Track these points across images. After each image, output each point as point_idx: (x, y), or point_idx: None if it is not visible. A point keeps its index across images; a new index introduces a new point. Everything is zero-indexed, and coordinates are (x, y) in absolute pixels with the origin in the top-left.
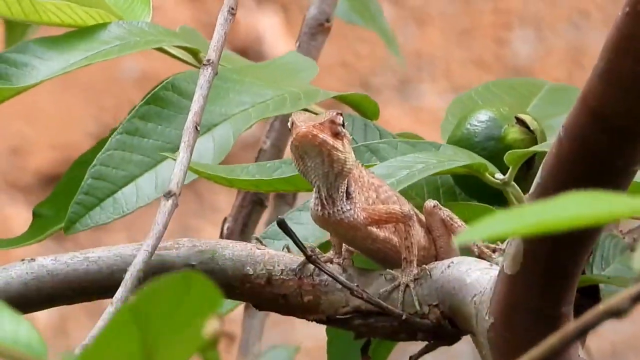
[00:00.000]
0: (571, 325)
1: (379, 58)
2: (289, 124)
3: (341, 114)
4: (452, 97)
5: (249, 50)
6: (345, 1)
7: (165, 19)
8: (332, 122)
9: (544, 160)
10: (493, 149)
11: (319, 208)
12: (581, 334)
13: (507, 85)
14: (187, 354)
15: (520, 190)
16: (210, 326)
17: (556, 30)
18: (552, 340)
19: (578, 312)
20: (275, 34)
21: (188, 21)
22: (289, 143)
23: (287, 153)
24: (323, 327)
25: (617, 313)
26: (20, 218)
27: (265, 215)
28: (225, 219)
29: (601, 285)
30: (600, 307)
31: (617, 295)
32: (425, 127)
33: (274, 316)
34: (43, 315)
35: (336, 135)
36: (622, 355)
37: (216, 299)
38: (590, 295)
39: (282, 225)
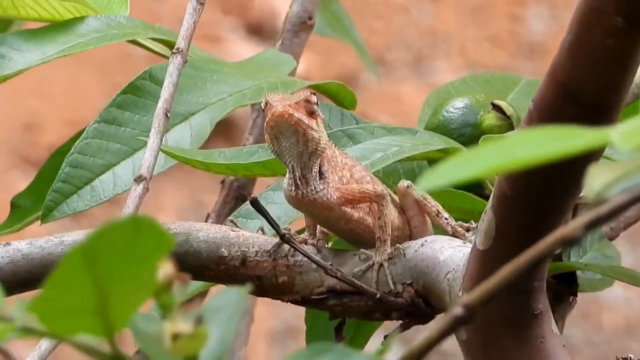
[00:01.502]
0: (523, 255)
1: (393, 35)
2: (262, 104)
3: (314, 93)
4: (466, 73)
5: (264, 27)
6: (319, 16)
7: (175, 3)
8: (307, 101)
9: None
10: (469, 135)
11: (293, 188)
12: (537, 261)
13: (484, 80)
14: (142, 298)
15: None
16: (164, 270)
17: (570, 7)
18: (504, 271)
19: (555, 299)
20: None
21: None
22: (265, 124)
23: None
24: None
25: (571, 240)
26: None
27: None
28: (208, 215)
29: (579, 273)
30: (556, 233)
31: (571, 224)
32: None
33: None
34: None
35: (311, 114)
36: (636, 330)
37: (166, 241)
38: (567, 282)
39: (255, 204)
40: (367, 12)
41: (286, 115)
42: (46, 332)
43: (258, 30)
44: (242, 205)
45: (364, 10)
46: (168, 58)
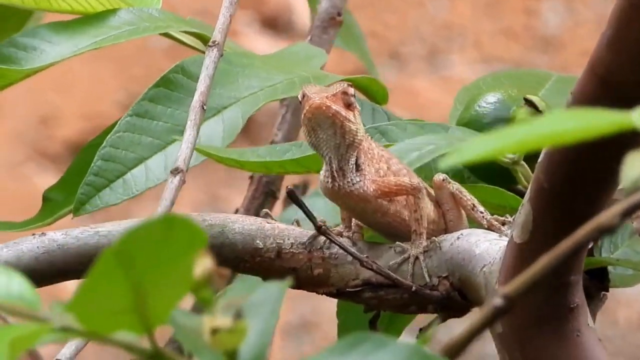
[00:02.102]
0: (561, 244)
1: (408, 28)
2: (299, 96)
3: (352, 85)
4: (481, 67)
5: (279, 20)
6: None
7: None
8: (345, 93)
9: None
10: (502, 130)
11: (329, 180)
12: (575, 251)
13: (514, 76)
14: (180, 293)
15: (529, 170)
16: (202, 265)
17: (586, 0)
18: (542, 261)
19: (586, 295)
20: (305, 4)
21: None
22: (302, 115)
23: None
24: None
25: (607, 229)
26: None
27: (278, 207)
28: (236, 210)
29: (610, 268)
30: (592, 223)
31: (607, 213)
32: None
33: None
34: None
35: (348, 106)
36: None
37: (200, 237)
38: (598, 277)
39: (292, 195)
40: (382, 6)
41: (324, 107)
42: (84, 331)
43: (273, 25)
44: (282, 212)
45: (378, 4)
46: (200, 51)
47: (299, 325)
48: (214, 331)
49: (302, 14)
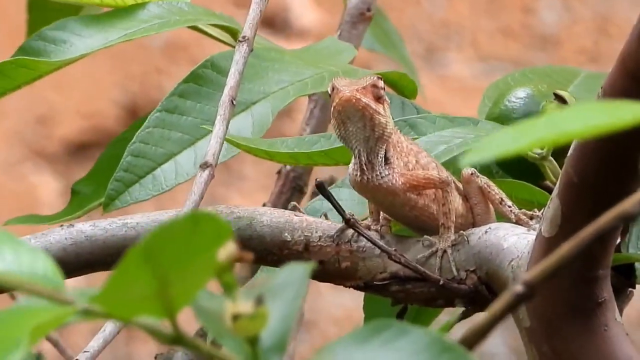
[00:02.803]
0: (582, 231)
1: (405, 27)
2: (329, 88)
3: (381, 78)
4: (479, 66)
5: (276, 19)
6: (369, 31)
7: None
8: (374, 86)
9: None
10: None
11: (358, 173)
12: (597, 237)
13: (543, 73)
14: (202, 282)
15: (557, 165)
16: (226, 250)
17: None
18: (563, 249)
19: (613, 291)
20: (302, 3)
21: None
22: (331, 108)
23: None
24: (350, 296)
25: (630, 216)
26: (46, 187)
27: (304, 202)
28: (264, 205)
29: (637, 264)
30: (614, 210)
31: (629, 200)
32: (452, 96)
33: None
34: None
35: (378, 99)
36: None
37: (226, 232)
38: (625, 273)
39: (321, 188)
40: (379, 4)
41: (353, 100)
42: (107, 314)
43: (270, 24)
44: (309, 203)
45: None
46: (228, 44)
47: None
48: (235, 317)
49: (299, 14)
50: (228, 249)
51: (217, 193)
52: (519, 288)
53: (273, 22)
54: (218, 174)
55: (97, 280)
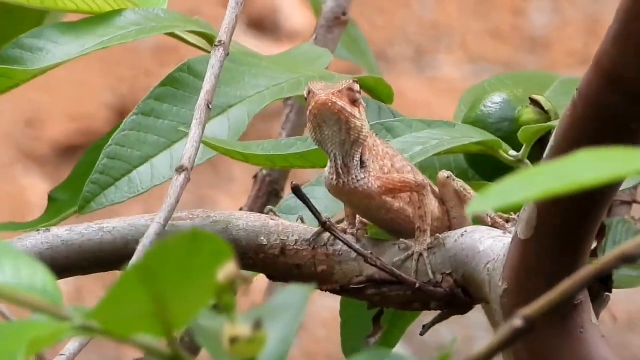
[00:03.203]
0: (585, 269)
1: (395, 29)
2: (305, 92)
3: (357, 81)
4: (468, 68)
5: (265, 21)
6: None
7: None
8: (350, 89)
9: (557, 125)
10: (507, 129)
11: (334, 177)
12: (598, 275)
13: (520, 78)
14: (202, 302)
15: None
16: (225, 271)
17: (573, 0)
18: (564, 285)
19: (590, 295)
20: (291, 5)
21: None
22: (307, 112)
23: None
24: (339, 299)
25: (632, 258)
26: (36, 189)
27: None
28: (241, 209)
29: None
30: (616, 251)
31: (631, 242)
32: (441, 98)
33: None
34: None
35: (353, 102)
36: (635, 325)
37: (225, 252)
38: (601, 278)
39: (297, 191)
40: (369, 6)
41: (329, 104)
42: (105, 331)
43: (259, 25)
44: (282, 201)
45: (366, 5)
46: (205, 50)
47: None
48: (234, 340)
49: (288, 16)
50: (228, 270)
51: (205, 195)
52: (518, 322)
53: (262, 24)
54: (206, 176)
55: (87, 282)
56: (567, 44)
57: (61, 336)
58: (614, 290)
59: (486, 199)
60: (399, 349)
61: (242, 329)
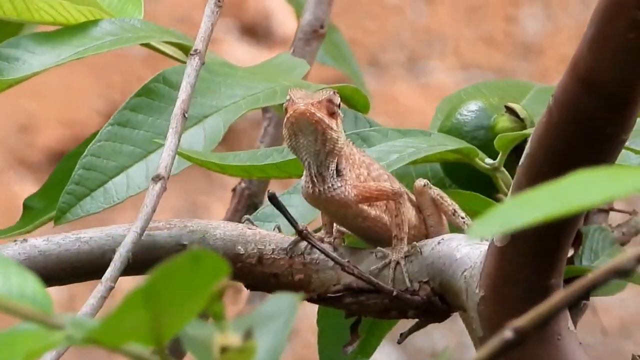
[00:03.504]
0: (579, 281)
1: (388, 34)
2: (285, 99)
3: (337, 93)
4: (461, 74)
5: (258, 28)
6: (321, 46)
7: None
8: (330, 101)
9: (533, 131)
10: (483, 138)
11: (310, 185)
12: (590, 289)
13: (496, 87)
14: (193, 313)
15: (510, 177)
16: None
17: (565, 7)
18: (556, 297)
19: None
20: (285, 11)
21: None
22: (285, 119)
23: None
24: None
25: (623, 272)
26: (28, 195)
27: None
28: None
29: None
30: (608, 265)
31: (623, 256)
32: (433, 104)
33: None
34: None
35: (332, 114)
36: (630, 331)
37: (223, 270)
38: None
39: (274, 200)
40: (361, 12)
41: (308, 114)
42: (97, 340)
43: (252, 32)
44: (260, 209)
45: (358, 10)
46: (181, 61)
47: None
48: (224, 349)
49: (281, 22)
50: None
51: (198, 201)
52: (508, 334)
53: (255, 31)
54: (199, 183)
55: (80, 290)
56: (559, 50)
57: (56, 346)
58: (608, 297)
59: (487, 225)
60: (392, 355)
61: (233, 338)
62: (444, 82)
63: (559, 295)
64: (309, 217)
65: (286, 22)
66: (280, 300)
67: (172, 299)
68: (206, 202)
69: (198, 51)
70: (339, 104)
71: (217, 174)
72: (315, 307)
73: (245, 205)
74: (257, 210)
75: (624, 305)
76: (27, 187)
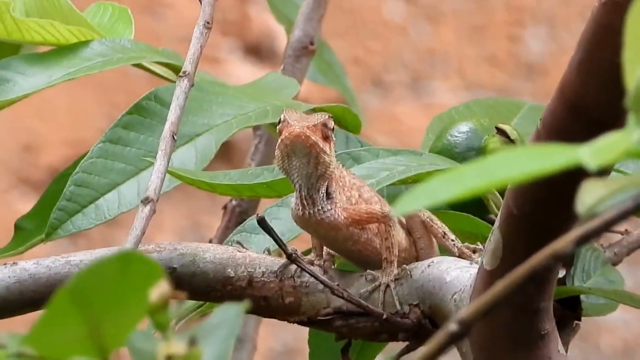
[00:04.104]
0: (519, 269)
1: (391, 54)
2: (279, 119)
3: (332, 117)
4: (464, 94)
5: (262, 47)
6: (312, 63)
7: (178, 17)
8: (325, 125)
9: None
10: (474, 159)
11: (300, 208)
12: (531, 276)
13: (487, 105)
14: (135, 321)
15: (501, 198)
16: (159, 290)
17: (569, 27)
18: (498, 286)
19: (559, 323)
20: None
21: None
22: (278, 140)
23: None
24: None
25: (562, 255)
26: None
27: None
28: (210, 241)
29: (583, 297)
30: (547, 249)
31: (562, 239)
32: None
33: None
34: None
35: (326, 138)
36: (634, 352)
37: (156, 273)
38: (571, 306)
39: (262, 223)
40: (364, 32)
41: (303, 137)
42: (40, 357)
43: (256, 52)
44: (247, 220)
45: (361, 30)
46: (172, 81)
47: (282, 353)
48: (169, 358)
49: (284, 41)
50: (161, 289)
51: (202, 221)
52: (453, 327)
53: (259, 50)
54: (202, 202)
55: None
56: (563, 70)
57: None
58: (611, 318)
59: (414, 199)
60: None
61: (178, 346)
62: (447, 102)
63: (500, 285)
64: (297, 231)
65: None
66: (226, 311)
67: (104, 301)
68: (209, 221)
69: (187, 73)
70: (333, 128)
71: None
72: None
73: (236, 223)
74: (245, 222)
75: (627, 326)
76: (31, 207)
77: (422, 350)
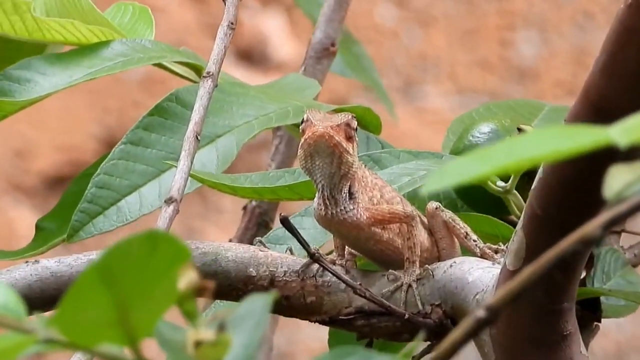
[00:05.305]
0: (544, 257)
1: (383, 59)
2: (303, 118)
3: (355, 117)
4: (456, 98)
5: (254, 52)
6: (339, 57)
7: (170, 22)
8: (348, 125)
9: None
10: None
11: (322, 208)
12: (559, 261)
13: (507, 107)
14: (164, 306)
15: (521, 199)
16: (187, 278)
17: (561, 31)
18: (524, 273)
19: (579, 325)
20: (280, 36)
21: (192, 24)
22: (302, 139)
23: None
24: (327, 329)
25: (591, 240)
26: (24, 221)
27: None
28: (230, 241)
29: (602, 299)
30: (575, 234)
31: (590, 224)
32: (429, 129)
33: (280, 318)
34: None
35: (349, 138)
36: (626, 355)
37: (184, 253)
38: (591, 308)
39: (286, 223)
40: (356, 37)
41: (326, 137)
42: (69, 343)
43: (248, 57)
44: (271, 231)
45: (353, 35)
46: (192, 81)
47: (274, 356)
48: (198, 344)
49: (277, 47)
50: (189, 277)
51: (194, 226)
52: (481, 313)
53: (251, 55)
54: (195, 207)
55: None
56: (554, 74)
57: (25, 348)
58: (604, 320)
59: (443, 176)
60: None
61: (207, 332)
62: (439, 107)
63: (527, 272)
64: (321, 240)
65: (282, 47)
66: (254, 302)
67: (132, 282)
68: (202, 227)
69: (211, 73)
70: (356, 128)
71: (213, 198)
72: (312, 333)
73: (256, 224)
74: (269, 233)
75: (621, 329)
76: (23, 213)
77: (450, 336)
